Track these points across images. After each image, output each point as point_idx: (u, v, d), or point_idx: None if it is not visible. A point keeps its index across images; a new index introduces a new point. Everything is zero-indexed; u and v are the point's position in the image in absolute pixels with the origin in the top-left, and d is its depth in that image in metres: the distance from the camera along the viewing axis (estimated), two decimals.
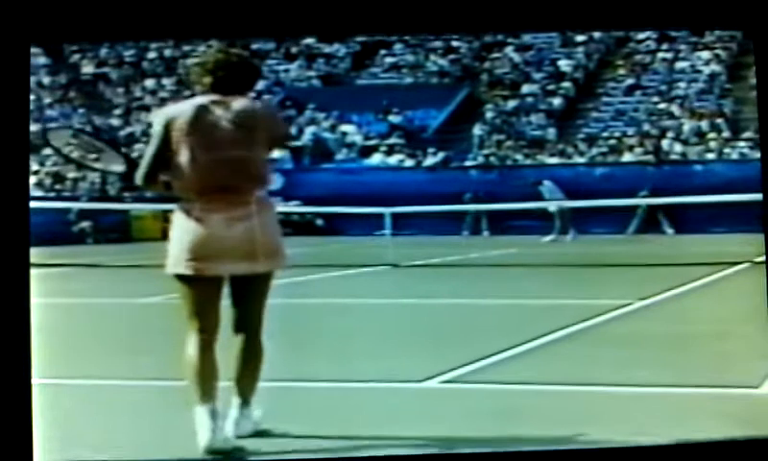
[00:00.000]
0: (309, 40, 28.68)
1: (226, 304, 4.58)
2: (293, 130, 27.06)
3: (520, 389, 5.79)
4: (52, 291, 9.33)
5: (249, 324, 4.56)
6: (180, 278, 4.47)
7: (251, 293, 4.54)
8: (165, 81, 28.36)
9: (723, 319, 7.98)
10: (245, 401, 4.58)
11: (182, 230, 4.45)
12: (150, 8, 4.07)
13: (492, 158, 25.67)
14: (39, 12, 3.93)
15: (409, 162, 25.98)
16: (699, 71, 26.42)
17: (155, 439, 4.69)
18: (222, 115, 4.45)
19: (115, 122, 27.53)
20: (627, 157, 24.92)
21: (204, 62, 4.55)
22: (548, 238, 20.33)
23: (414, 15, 4.24)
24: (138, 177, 4.60)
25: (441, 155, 25.73)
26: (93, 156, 5.04)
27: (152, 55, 28.79)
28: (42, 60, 27.22)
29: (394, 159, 26.20)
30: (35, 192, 20.45)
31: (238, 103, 4.48)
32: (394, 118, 27.10)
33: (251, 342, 4.56)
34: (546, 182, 22.26)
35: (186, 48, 26.50)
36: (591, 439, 4.56)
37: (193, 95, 4.58)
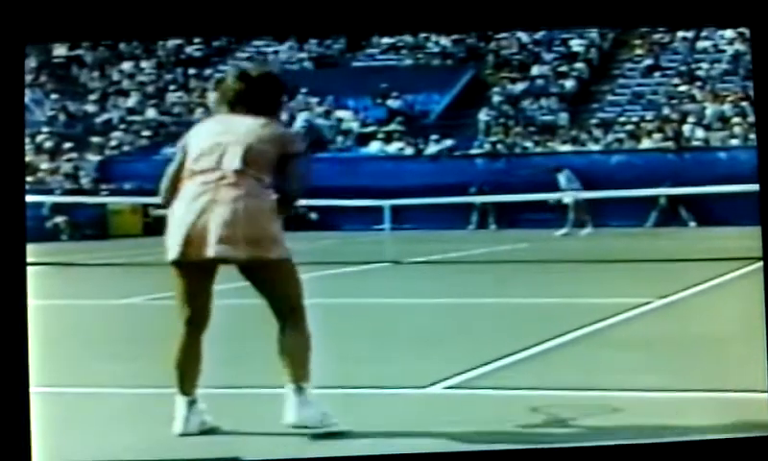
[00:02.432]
0: None
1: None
2: (284, 116, 27.10)
3: (528, 395, 5.84)
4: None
5: (277, 312, 4.93)
6: (171, 264, 4.87)
7: (259, 283, 4.91)
8: (144, 64, 28.38)
9: (748, 318, 8.03)
10: (298, 388, 4.88)
11: (172, 214, 4.89)
12: (145, 7, 4.18)
13: (499, 146, 25.69)
14: (34, 12, 4.05)
15: (409, 151, 26.01)
16: (722, 51, 26.44)
17: (140, 448, 4.77)
18: (230, 124, 4.96)
19: (91, 108, 27.54)
20: (645, 144, 24.96)
21: (222, 90, 5.08)
22: (561, 232, 20.38)
23: (413, 13, 4.35)
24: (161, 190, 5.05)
25: (444, 142, 25.76)
26: None
27: None
28: None
29: (393, 148, 26.23)
30: None
31: (255, 118, 4.95)
32: (393, 103, 27.12)
33: (285, 328, 4.92)
34: (565, 171, 22.30)
35: None
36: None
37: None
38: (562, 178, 22.08)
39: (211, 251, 4.77)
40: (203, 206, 4.80)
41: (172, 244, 4.84)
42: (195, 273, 4.86)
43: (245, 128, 4.92)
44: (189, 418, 4.93)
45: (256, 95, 4.98)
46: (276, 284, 4.90)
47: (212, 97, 5.42)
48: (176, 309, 4.92)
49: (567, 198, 20.97)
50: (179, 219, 4.84)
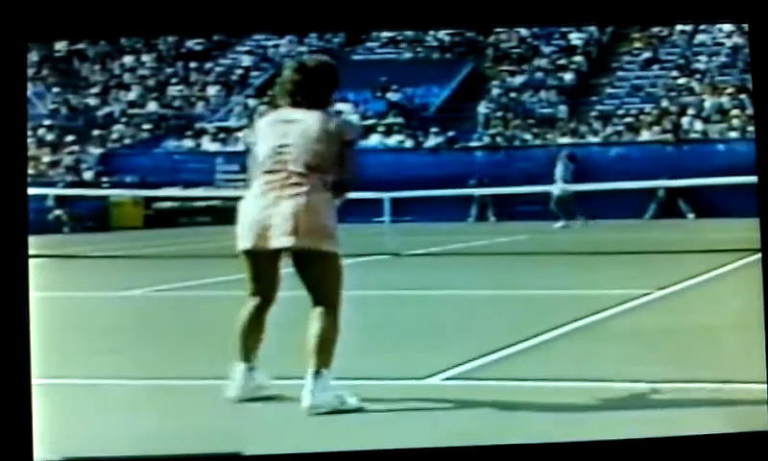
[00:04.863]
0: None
1: None
2: None
3: (526, 386, 5.85)
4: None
5: (315, 301, 5.26)
6: (242, 252, 5.34)
7: (309, 273, 5.26)
8: (145, 57, 28.37)
9: (746, 309, 8.03)
10: (317, 372, 5.17)
11: (243, 209, 5.34)
12: (145, 5, 4.20)
13: (498, 139, 25.70)
14: (37, 9, 4.07)
15: (409, 143, 26.01)
16: (720, 44, 26.43)
17: (142, 440, 4.78)
18: (293, 121, 5.33)
19: (92, 101, 27.55)
20: (644, 136, 24.96)
21: (281, 82, 5.44)
22: (560, 224, 20.40)
23: (410, 9, 4.38)
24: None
25: (443, 135, 25.76)
26: None
27: None
28: None
29: (393, 140, 26.24)
30: None
31: (312, 114, 5.31)
32: (392, 96, 27.12)
33: (319, 317, 5.24)
34: (565, 161, 22.30)
35: None
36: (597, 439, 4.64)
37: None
38: (560, 166, 22.07)
39: (276, 242, 5.22)
40: (268, 203, 5.23)
41: (242, 236, 5.31)
42: (262, 260, 5.30)
43: (305, 127, 5.28)
44: (245, 384, 5.31)
45: (313, 86, 5.33)
46: (323, 277, 5.26)
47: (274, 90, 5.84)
48: (246, 287, 5.38)
49: (556, 190, 20.96)
50: (247, 214, 5.31)
